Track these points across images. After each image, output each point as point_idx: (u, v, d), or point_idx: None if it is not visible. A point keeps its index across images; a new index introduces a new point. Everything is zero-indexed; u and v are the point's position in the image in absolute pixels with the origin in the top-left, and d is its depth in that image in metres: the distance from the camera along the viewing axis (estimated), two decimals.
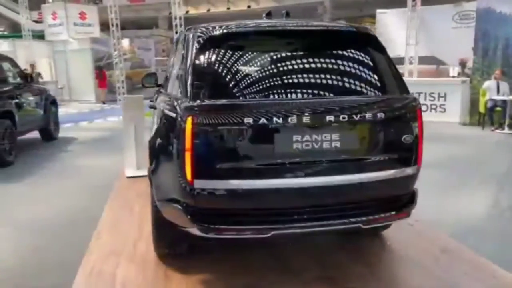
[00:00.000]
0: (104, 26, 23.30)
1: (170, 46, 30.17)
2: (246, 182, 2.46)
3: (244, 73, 2.64)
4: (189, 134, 2.39)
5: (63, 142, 9.28)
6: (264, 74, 2.67)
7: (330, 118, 2.46)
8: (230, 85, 2.61)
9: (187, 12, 28.59)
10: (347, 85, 2.71)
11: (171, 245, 3.15)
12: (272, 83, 2.65)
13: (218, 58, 2.66)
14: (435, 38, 12.77)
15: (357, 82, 2.74)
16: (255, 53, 2.72)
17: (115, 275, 3.07)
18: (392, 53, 12.72)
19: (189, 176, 2.43)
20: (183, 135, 2.40)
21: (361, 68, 2.77)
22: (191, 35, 2.87)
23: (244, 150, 2.46)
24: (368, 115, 2.53)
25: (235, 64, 2.65)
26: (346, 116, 2.49)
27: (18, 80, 8.16)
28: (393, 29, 13.61)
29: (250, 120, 2.40)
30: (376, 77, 2.78)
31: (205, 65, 2.64)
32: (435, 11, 13.21)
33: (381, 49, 2.88)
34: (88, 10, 22.54)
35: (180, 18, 15.60)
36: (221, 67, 2.65)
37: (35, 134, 9.08)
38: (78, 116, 14.45)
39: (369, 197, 2.69)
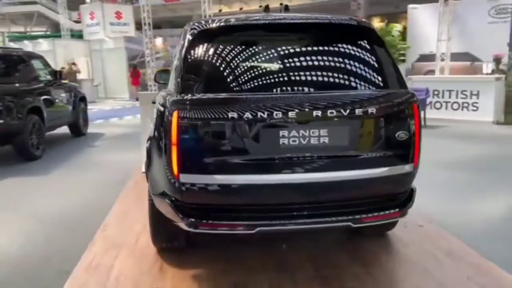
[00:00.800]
0: (140, 25, 23.89)
1: None
2: (231, 178, 2.45)
3: (235, 67, 2.62)
4: (175, 128, 2.40)
5: (91, 138, 9.56)
6: (255, 68, 2.65)
7: (317, 113, 2.41)
8: (220, 79, 2.60)
9: (220, 10, 28.86)
10: (340, 79, 2.65)
11: (168, 239, 3.18)
12: (263, 78, 2.62)
13: (209, 52, 2.66)
14: (469, 33, 12.27)
15: (351, 76, 2.66)
16: (246, 47, 2.69)
17: (113, 267, 3.13)
18: (424, 49, 12.37)
19: (175, 170, 2.44)
20: (170, 129, 2.42)
21: (356, 62, 2.70)
22: (186, 30, 2.88)
23: (230, 145, 2.45)
24: (357, 111, 2.46)
25: (226, 59, 2.64)
26: (333, 111, 2.43)
27: (48, 77, 8.46)
28: (425, 25, 13.18)
29: (235, 115, 2.38)
30: (371, 71, 2.70)
31: (196, 59, 2.64)
32: (470, 5, 12.68)
33: (380, 43, 2.79)
34: (124, 10, 23.09)
35: (210, 16, 15.72)
36: (211, 61, 2.64)
37: (65, 130, 9.41)
38: (110, 112, 14.84)
39: (358, 195, 2.62)
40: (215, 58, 2.64)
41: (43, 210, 4.70)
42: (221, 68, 2.63)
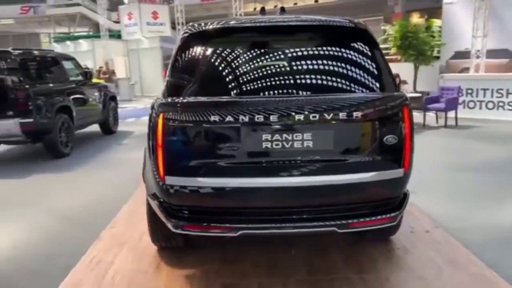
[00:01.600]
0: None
1: None
2: (215, 181, 2.47)
3: (222, 70, 2.64)
4: (161, 131, 2.46)
5: (120, 136, 9.84)
6: (242, 71, 2.65)
7: (299, 117, 2.40)
8: (207, 83, 2.63)
9: (254, 9, 28.90)
10: (329, 82, 2.61)
11: (166, 239, 3.24)
12: (250, 81, 2.62)
13: (197, 56, 2.69)
14: (508, 29, 11.69)
15: (340, 79, 2.62)
16: (234, 51, 2.70)
17: (112, 263, 3.23)
18: (459, 46, 11.84)
19: (161, 172, 2.50)
20: (156, 131, 2.47)
21: (347, 64, 2.65)
22: (180, 33, 2.93)
23: (213, 149, 2.47)
24: (341, 114, 2.42)
25: (214, 62, 2.66)
26: (316, 115, 2.40)
27: (79, 78, 8.78)
28: (461, 21, 12.67)
29: (218, 119, 2.41)
30: (362, 74, 2.64)
31: (184, 62, 2.68)
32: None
33: (373, 45, 2.73)
34: (160, 10, 23.56)
35: (241, 15, 15.80)
36: (199, 65, 2.67)
37: (96, 128, 9.73)
38: (143, 111, 15.19)
39: (344, 200, 2.57)
40: (203, 61, 2.67)
41: (60, 206, 4.89)
42: (209, 72, 2.65)
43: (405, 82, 11.01)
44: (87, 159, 7.45)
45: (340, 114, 2.41)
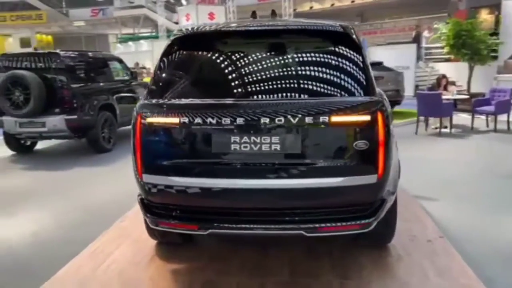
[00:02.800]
0: None
1: None
2: (186, 180, 2.57)
3: (198, 74, 2.74)
4: (138, 130, 2.61)
5: None
6: (219, 75, 2.73)
7: (265, 120, 2.44)
8: (186, 86, 2.74)
9: (311, 8, 28.73)
10: (303, 86, 2.64)
11: (162, 234, 3.38)
12: (224, 85, 2.70)
13: (177, 60, 2.80)
14: None
15: (314, 83, 2.63)
16: (211, 55, 2.79)
17: (111, 254, 3.44)
18: None
19: (139, 170, 2.65)
20: (135, 131, 2.63)
21: (323, 68, 2.65)
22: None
23: (185, 149, 2.58)
24: (307, 119, 2.42)
25: (192, 66, 2.78)
26: (282, 119, 2.43)
27: (125, 77, 9.28)
28: None
29: (188, 120, 2.50)
30: (337, 78, 2.63)
31: (167, 66, 2.80)
32: None
33: (354, 48, 2.70)
34: (217, 11, 24.08)
35: (290, 15, 15.80)
36: (180, 68, 2.79)
37: None
38: None
39: (312, 204, 2.57)
40: (182, 65, 2.78)
41: (88, 198, 5.24)
42: (187, 75, 2.76)
43: (453, 83, 10.48)
44: (127, 154, 7.85)
45: (306, 118, 2.42)
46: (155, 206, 2.71)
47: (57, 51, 7.71)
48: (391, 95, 10.89)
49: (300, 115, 2.42)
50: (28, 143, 8.39)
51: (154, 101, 2.67)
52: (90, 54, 8.73)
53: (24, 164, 7.53)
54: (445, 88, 9.45)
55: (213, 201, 2.61)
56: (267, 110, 2.45)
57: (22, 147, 8.30)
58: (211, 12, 24.06)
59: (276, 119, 2.42)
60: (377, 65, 11.75)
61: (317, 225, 2.52)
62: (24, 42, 36.88)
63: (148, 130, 2.59)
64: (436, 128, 8.90)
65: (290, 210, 2.57)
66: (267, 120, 2.43)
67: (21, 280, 3.29)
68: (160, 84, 2.76)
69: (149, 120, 2.58)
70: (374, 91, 2.61)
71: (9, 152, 8.19)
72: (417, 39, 16.39)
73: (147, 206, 2.73)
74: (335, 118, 2.43)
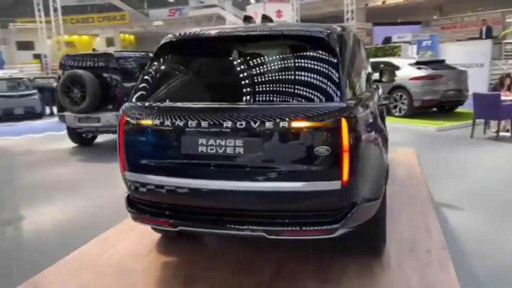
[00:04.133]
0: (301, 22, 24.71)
1: (365, 38, 29.80)
2: (158, 179, 2.73)
3: (177, 78, 2.87)
4: (121, 130, 2.81)
5: None
6: (194, 79, 2.85)
7: (227, 124, 2.51)
8: (165, 89, 2.88)
9: (383, 2, 27.74)
10: (271, 91, 2.67)
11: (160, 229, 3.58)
12: (199, 89, 2.81)
13: (163, 64, 2.95)
14: None
15: (283, 88, 2.66)
16: (190, 60, 2.92)
17: (117, 244, 3.70)
18: None
19: (122, 166, 2.85)
20: (119, 130, 2.83)
21: (293, 73, 2.67)
22: None
23: (158, 149, 2.73)
24: (268, 124, 2.46)
25: (174, 70, 2.91)
26: (243, 123, 2.48)
27: None
28: None
29: (160, 122, 2.66)
30: (306, 83, 2.62)
31: (153, 70, 2.96)
32: None
33: (330, 53, 2.67)
34: (284, 8, 24.18)
35: (352, 11, 15.43)
36: (163, 72, 2.94)
37: None
38: None
39: (274, 207, 2.59)
40: (166, 69, 2.93)
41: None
42: (169, 79, 2.91)
43: None
44: None
45: (267, 123, 2.45)
46: (137, 202, 2.90)
47: (112, 52, 8.30)
48: (452, 95, 10.31)
49: (261, 120, 2.46)
50: (89, 136, 9.13)
51: (137, 103, 2.85)
52: (142, 54, 9.27)
53: (82, 155, 8.23)
54: (509, 89, 8.73)
55: (182, 199, 2.73)
56: (231, 114, 2.52)
57: (83, 140, 9.06)
58: (278, 10, 24.23)
59: (238, 123, 2.49)
60: (438, 63, 11.17)
61: (279, 228, 2.54)
62: (109, 42, 39.73)
63: (128, 130, 2.78)
64: (496, 131, 8.28)
65: (252, 212, 2.62)
66: (230, 124, 2.50)
67: (33, 258, 3.64)
68: (145, 86, 2.93)
69: (129, 120, 2.77)
70: (344, 96, 2.56)
71: (71, 145, 8.98)
72: (489, 34, 15.22)
73: (130, 201, 2.93)
74: (295, 124, 2.44)
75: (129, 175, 2.83)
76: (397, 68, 10.79)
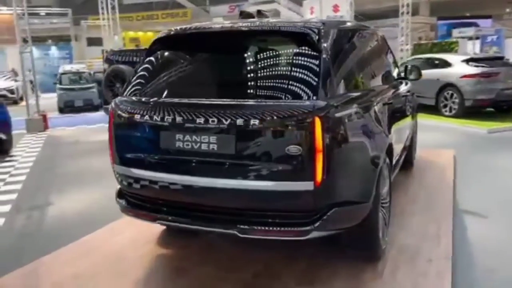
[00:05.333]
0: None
1: (429, 33, 28.37)
2: (139, 172, 2.79)
3: (166, 73, 2.91)
4: (111, 124, 2.90)
5: None
6: (179, 75, 2.87)
7: (200, 120, 2.50)
8: (153, 84, 2.93)
9: None
10: (249, 87, 2.64)
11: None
12: (182, 84, 2.84)
13: (154, 60, 3.00)
14: None
15: (261, 85, 2.62)
16: (177, 56, 2.94)
17: (122, 233, 3.83)
18: None
19: (111, 159, 2.95)
20: (109, 124, 2.93)
21: (273, 70, 2.63)
22: None
23: (141, 143, 2.79)
24: (238, 121, 2.42)
25: (162, 66, 2.95)
26: (215, 120, 2.47)
27: None
28: None
29: (141, 117, 2.71)
30: (285, 80, 2.55)
31: (145, 65, 3.02)
32: None
33: (314, 50, 2.58)
34: (341, 2, 23.60)
35: (407, 5, 14.73)
36: (153, 68, 2.98)
37: None
38: None
39: (246, 205, 2.55)
40: (156, 65, 2.97)
41: None
42: (158, 74, 2.95)
43: None
44: None
45: (238, 121, 2.42)
46: (124, 194, 2.98)
47: (145, 47, 8.57)
48: (511, 94, 9.57)
49: (233, 118, 2.43)
50: None
51: (126, 97, 2.92)
52: None
53: None
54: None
55: (160, 194, 2.76)
56: (206, 110, 2.51)
57: None
58: (335, 5, 23.68)
59: (210, 120, 2.47)
60: (496, 59, 10.43)
61: (250, 227, 2.50)
62: None
63: (118, 124, 2.86)
64: None
65: (226, 209, 2.60)
66: (203, 120, 2.49)
67: (46, 243, 3.85)
68: (135, 81, 2.99)
69: (116, 114, 2.85)
70: (324, 95, 2.45)
71: None
72: None
73: (119, 193, 3.02)
74: (266, 122, 2.38)
75: (118, 168, 2.91)
76: (449, 65, 10.21)
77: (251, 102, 2.51)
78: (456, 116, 9.80)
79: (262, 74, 2.64)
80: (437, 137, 8.18)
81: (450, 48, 14.62)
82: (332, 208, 2.51)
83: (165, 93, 2.82)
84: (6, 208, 4.95)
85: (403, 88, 4.57)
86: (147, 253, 3.44)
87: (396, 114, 3.88)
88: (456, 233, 3.75)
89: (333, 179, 2.45)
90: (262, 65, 2.65)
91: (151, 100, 2.78)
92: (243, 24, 2.86)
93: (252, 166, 2.47)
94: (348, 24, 3.54)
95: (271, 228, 2.49)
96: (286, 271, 3.04)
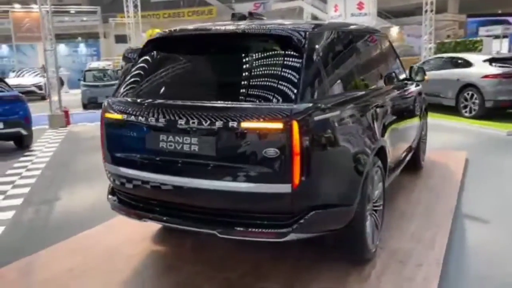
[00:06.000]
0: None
1: (458, 31, 27.65)
2: (126, 171, 2.86)
3: (152, 75, 2.97)
4: (102, 123, 2.99)
5: None
6: (163, 77, 2.93)
7: (182, 122, 2.55)
8: (141, 86, 2.98)
9: None
10: (230, 90, 2.68)
11: None
12: (165, 86, 2.91)
13: (142, 62, 3.06)
14: None
15: (242, 88, 2.64)
16: (162, 57, 3.01)
17: (121, 230, 3.91)
18: None
19: (103, 158, 3.03)
20: (100, 123, 3.01)
21: (255, 73, 2.64)
22: None
23: (127, 143, 2.87)
24: (218, 123, 2.46)
25: (150, 67, 3.01)
26: (195, 121, 2.51)
27: None
28: None
29: (127, 117, 2.79)
30: (266, 83, 2.58)
31: (136, 66, 3.09)
32: None
33: (294, 53, 2.60)
34: (366, 0, 23.29)
35: (431, 3, 14.39)
36: (141, 70, 3.05)
37: None
38: None
39: (225, 206, 2.58)
40: (144, 66, 3.03)
41: None
42: (145, 76, 3.00)
43: None
44: None
45: (217, 123, 2.45)
46: (114, 192, 3.06)
47: None
48: None
49: (212, 120, 2.46)
50: None
51: (115, 98, 2.99)
52: None
53: None
54: None
55: (144, 192, 2.83)
56: (188, 112, 2.55)
57: None
58: (360, 2, 23.38)
59: (191, 121, 2.52)
60: None
61: (230, 228, 2.54)
62: None
63: (107, 124, 2.95)
64: None
65: (207, 210, 2.64)
66: (184, 122, 2.54)
67: (49, 236, 3.98)
68: (125, 82, 3.06)
69: (108, 116, 2.93)
70: (304, 98, 2.46)
71: None
72: None
73: (110, 190, 3.10)
74: (244, 125, 2.41)
75: (107, 166, 3.00)
76: (470, 64, 9.95)
77: (232, 104, 2.53)
78: (476, 117, 9.54)
79: (244, 76, 2.66)
80: (453, 139, 8.00)
81: (474, 47, 14.19)
82: (312, 210, 2.52)
83: (152, 94, 2.88)
84: (18, 201, 5.14)
85: (407, 89, 4.51)
86: (142, 250, 3.52)
87: (395, 116, 3.83)
88: (454, 238, 3.68)
89: (311, 182, 2.45)
90: (245, 68, 2.67)
91: (138, 101, 2.85)
92: (228, 27, 2.88)
93: (232, 168, 2.50)
94: (340, 26, 3.50)
95: (250, 229, 2.52)
96: (272, 272, 3.07)
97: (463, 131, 8.75)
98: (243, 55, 2.71)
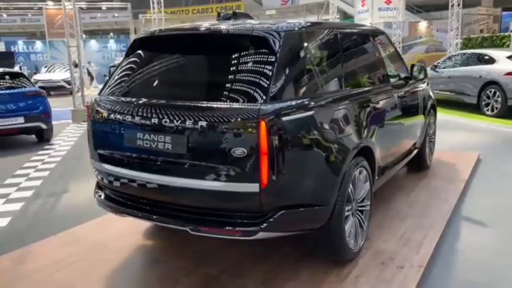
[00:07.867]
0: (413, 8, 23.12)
1: (492, 26, 26.63)
2: (106, 167, 2.96)
3: (136, 74, 3.03)
4: (88, 121, 3.09)
5: None
6: (143, 76, 3.00)
7: (155, 121, 2.62)
8: (123, 84, 3.06)
9: None
10: (203, 89, 2.75)
11: None
12: (144, 85, 2.98)
13: (129, 60, 3.13)
14: None
15: (213, 87, 2.70)
16: (144, 57, 3.07)
17: (111, 225, 3.99)
18: None
19: (90, 154, 3.14)
20: (87, 120, 3.12)
21: (226, 72, 2.66)
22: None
23: (108, 140, 2.96)
24: (188, 122, 2.51)
25: (135, 66, 3.07)
26: (168, 120, 2.57)
27: None
28: None
29: (108, 115, 2.88)
30: (235, 83, 2.60)
31: (121, 65, 3.16)
32: None
33: (268, 53, 2.60)
34: None
35: (458, 4, 13.94)
36: (127, 68, 3.12)
37: None
38: None
39: (195, 203, 2.64)
40: (130, 65, 3.10)
41: None
42: (130, 74, 3.07)
43: None
44: None
45: (187, 122, 2.50)
46: (101, 188, 3.17)
47: None
48: None
49: (183, 119, 2.51)
50: None
51: (101, 96, 3.08)
52: None
53: None
54: None
55: (122, 188, 2.91)
56: (163, 111, 2.61)
57: None
58: None
59: (163, 120, 2.57)
60: None
61: (199, 225, 2.58)
62: None
63: (92, 121, 3.05)
64: None
65: (179, 206, 2.69)
66: (157, 121, 2.60)
67: (52, 228, 4.15)
68: (110, 81, 3.15)
69: (93, 113, 3.03)
70: (274, 98, 2.47)
71: None
72: None
73: (98, 186, 3.21)
74: (214, 124, 2.45)
75: (92, 163, 3.11)
76: (493, 61, 9.61)
77: (203, 104, 2.57)
78: (498, 116, 9.24)
79: (218, 76, 2.70)
80: (471, 138, 7.78)
81: (501, 43, 13.65)
82: (281, 210, 2.53)
83: (131, 93, 2.95)
84: (29, 193, 5.36)
85: (407, 88, 4.42)
86: (131, 244, 3.61)
87: (388, 115, 3.77)
88: (446, 241, 3.61)
89: (280, 182, 2.46)
90: (220, 68, 2.70)
91: (120, 99, 2.93)
92: (203, 27, 2.91)
93: (203, 167, 2.54)
94: (318, 26, 3.46)
95: (218, 227, 2.56)
96: (254, 269, 3.09)
97: (482, 130, 8.48)
98: (217, 55, 2.75)
